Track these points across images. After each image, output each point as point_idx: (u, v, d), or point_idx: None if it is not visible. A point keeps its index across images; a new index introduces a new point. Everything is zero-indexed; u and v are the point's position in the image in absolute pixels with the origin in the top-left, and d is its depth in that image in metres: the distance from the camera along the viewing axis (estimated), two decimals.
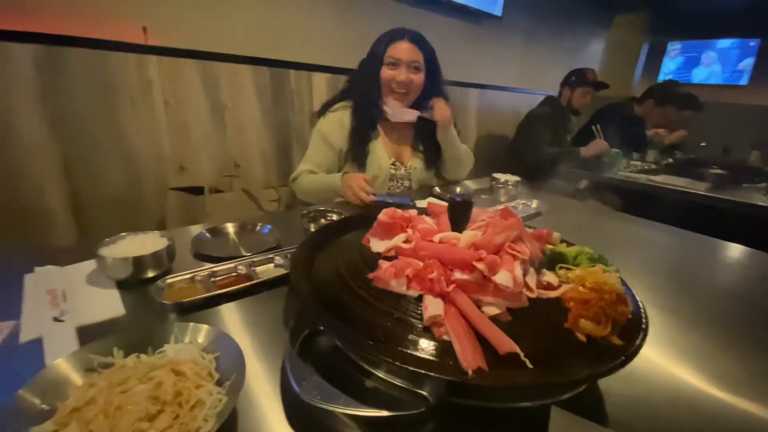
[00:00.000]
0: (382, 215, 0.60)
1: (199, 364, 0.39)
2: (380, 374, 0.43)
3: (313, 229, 0.79)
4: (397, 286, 0.48)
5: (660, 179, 1.87)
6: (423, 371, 0.37)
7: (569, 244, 0.66)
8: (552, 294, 0.48)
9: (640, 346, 0.42)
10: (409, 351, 0.41)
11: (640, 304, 0.50)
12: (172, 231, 0.82)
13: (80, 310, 0.54)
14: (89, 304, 0.55)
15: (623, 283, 0.54)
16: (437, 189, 1.27)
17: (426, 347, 0.41)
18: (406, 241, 0.56)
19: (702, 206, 1.64)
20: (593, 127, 2.11)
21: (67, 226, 1.24)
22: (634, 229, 1.12)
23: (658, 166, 2.20)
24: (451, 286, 0.46)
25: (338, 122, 1.25)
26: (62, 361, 0.37)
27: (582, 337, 0.44)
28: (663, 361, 0.54)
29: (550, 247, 0.62)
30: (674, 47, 3.67)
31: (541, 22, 2.70)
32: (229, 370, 0.39)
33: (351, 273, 0.53)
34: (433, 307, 0.44)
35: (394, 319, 0.45)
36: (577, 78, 2.19)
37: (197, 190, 1.48)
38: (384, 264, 0.52)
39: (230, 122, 1.52)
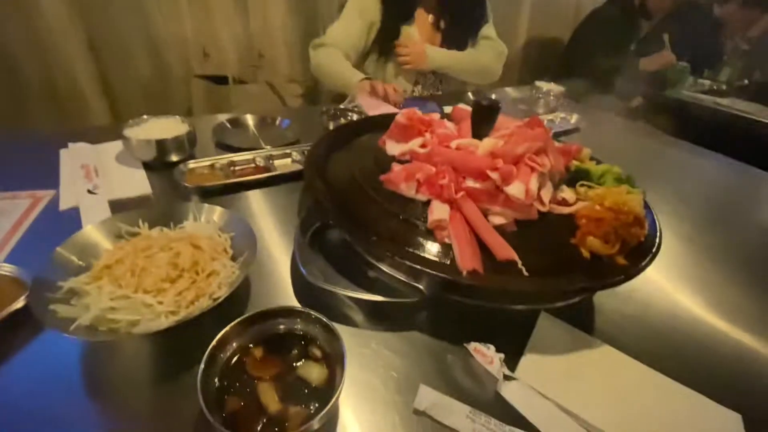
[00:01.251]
0: (401, 116, 0.57)
1: (215, 240, 0.43)
2: (382, 267, 0.46)
3: (332, 127, 0.77)
4: (407, 189, 0.47)
5: (727, 102, 1.64)
6: (419, 266, 0.39)
7: (599, 163, 0.62)
8: (565, 210, 0.47)
9: (642, 269, 0.41)
10: (409, 248, 0.42)
11: (658, 229, 0.48)
12: (195, 118, 0.82)
13: (111, 185, 0.58)
14: (119, 181, 0.59)
15: (646, 206, 0.52)
16: (470, 95, 1.18)
17: (426, 247, 0.42)
18: (422, 146, 0.54)
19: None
20: (663, 36, 1.80)
21: (97, 109, 1.26)
22: (679, 155, 1.03)
23: (730, 87, 1.91)
24: (460, 194, 0.45)
25: None
26: (94, 227, 0.42)
27: (586, 254, 0.43)
28: (668, 286, 0.54)
29: (576, 163, 0.59)
30: None
31: None
32: (243, 248, 0.43)
33: (364, 173, 0.53)
34: (438, 211, 0.44)
35: (400, 220, 0.45)
36: None
37: (222, 80, 1.44)
38: (397, 167, 0.51)
39: (253, 8, 1.39)
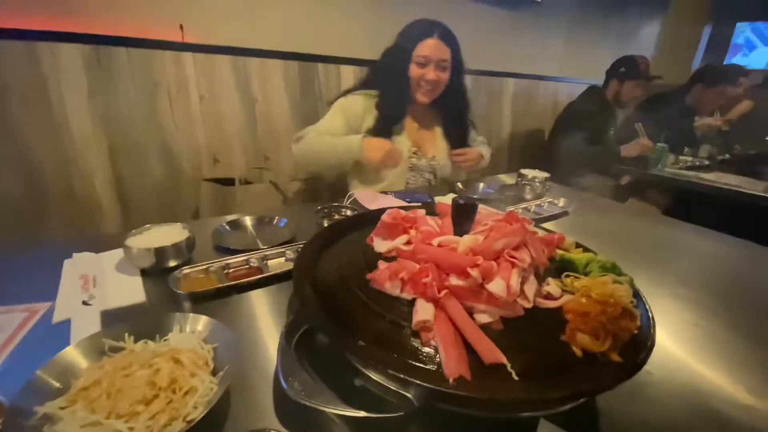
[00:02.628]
0: (386, 215, 0.60)
1: (197, 353, 0.42)
2: (369, 374, 0.44)
3: (326, 225, 0.80)
4: (392, 288, 0.48)
5: (712, 177, 1.71)
6: (403, 376, 0.37)
7: (586, 250, 0.63)
8: (551, 304, 0.47)
9: (639, 366, 0.40)
10: (395, 354, 0.41)
11: (651, 319, 0.47)
12: (198, 222, 0.87)
13: (106, 295, 0.59)
14: (115, 290, 0.60)
15: (637, 295, 0.51)
16: (460, 185, 1.25)
17: (413, 351, 0.41)
18: (407, 243, 0.56)
19: (759, 208, 1.49)
20: (636, 126, 1.96)
21: (112, 213, 1.35)
22: (675, 234, 1.04)
23: (712, 162, 2.01)
24: (444, 292, 0.45)
25: (360, 104, 1.25)
26: (76, 347, 0.42)
27: (578, 352, 0.42)
28: (677, 378, 0.51)
29: (560, 252, 0.60)
30: (743, 29, 3.30)
31: (586, 4, 2.53)
32: (225, 360, 0.42)
33: (352, 272, 0.54)
34: (423, 311, 0.44)
35: (386, 321, 0.45)
36: (627, 69, 1.99)
37: (229, 182, 1.56)
38: (382, 265, 0.52)
39: (260, 116, 1.57)
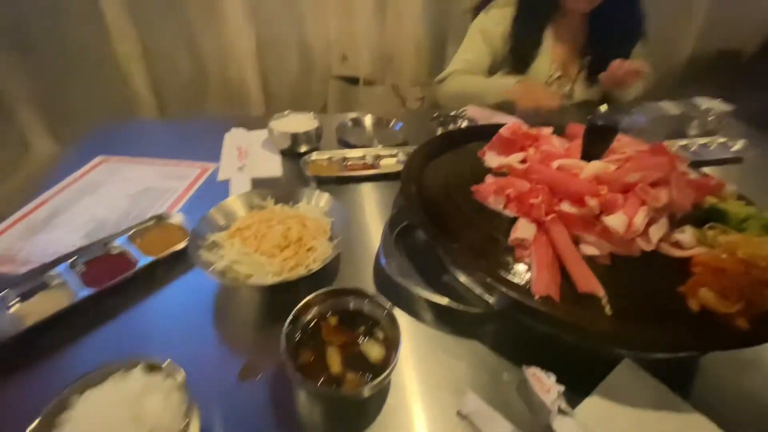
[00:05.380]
0: (505, 129, 0.57)
1: (319, 221, 0.51)
2: (457, 275, 0.48)
3: (439, 132, 0.80)
4: (495, 202, 0.48)
5: None
6: (489, 280, 0.39)
7: (750, 204, 0.51)
8: (677, 253, 0.42)
9: (765, 338, 0.34)
10: (485, 262, 0.43)
11: None
12: (326, 116, 0.94)
13: (255, 165, 0.72)
14: (261, 163, 0.74)
15: None
16: (604, 107, 1.06)
17: (504, 264, 0.42)
18: (522, 161, 0.53)
19: None
20: None
21: (257, 100, 1.54)
22: None
23: None
24: (551, 216, 0.43)
25: (502, 19, 1.06)
26: (236, 198, 0.54)
27: (695, 306, 0.38)
28: None
29: (713, 201, 0.50)
30: None
31: None
32: (340, 232, 0.50)
33: (458, 181, 0.55)
34: (523, 230, 0.43)
35: (482, 232, 0.46)
36: None
37: (354, 81, 1.60)
38: (489, 179, 0.52)
39: (390, 10, 1.50)
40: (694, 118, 1.00)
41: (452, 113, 0.86)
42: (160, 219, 0.56)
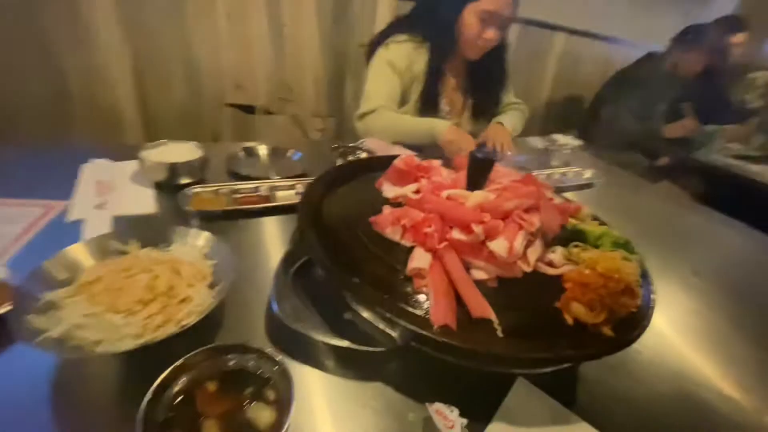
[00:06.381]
0: (400, 161, 0.58)
1: (196, 266, 0.44)
2: (359, 310, 0.45)
3: (339, 163, 0.79)
4: (392, 233, 0.48)
5: (757, 169, 1.59)
6: (390, 315, 0.38)
7: (602, 224, 0.60)
8: (551, 271, 0.46)
9: (628, 342, 0.39)
10: (386, 295, 0.41)
11: (652, 301, 0.46)
12: (216, 144, 0.87)
13: (120, 202, 0.61)
14: (128, 199, 0.62)
15: (645, 275, 0.50)
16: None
17: (404, 296, 0.41)
18: (416, 192, 0.55)
19: None
20: (684, 105, 1.78)
21: (134, 126, 1.36)
22: (702, 223, 0.98)
23: (764, 153, 1.85)
24: (443, 244, 0.44)
25: (405, 55, 1.11)
26: (84, 244, 0.44)
27: (570, 320, 0.41)
28: (666, 361, 0.51)
29: (574, 222, 0.58)
30: None
31: None
32: (223, 276, 0.43)
33: (357, 213, 0.53)
34: (419, 259, 0.43)
35: (382, 264, 0.45)
36: (693, 36, 1.77)
37: (250, 109, 1.53)
38: (386, 210, 0.52)
39: (288, 42, 1.49)
40: (555, 151, 1.18)
41: (351, 144, 0.87)
42: None
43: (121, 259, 0.42)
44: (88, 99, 1.27)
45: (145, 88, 1.34)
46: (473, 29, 1.04)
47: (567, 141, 1.18)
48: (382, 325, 0.42)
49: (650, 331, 0.42)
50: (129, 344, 0.34)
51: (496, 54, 1.15)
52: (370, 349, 0.40)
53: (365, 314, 0.43)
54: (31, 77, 1.18)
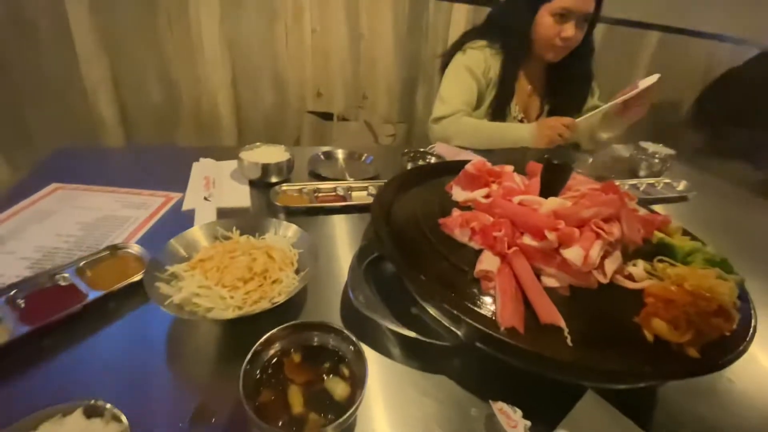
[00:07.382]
0: (471, 165, 0.59)
1: (286, 253, 0.50)
2: (426, 307, 0.47)
3: (409, 168, 0.82)
4: (461, 235, 0.49)
5: None
6: (456, 312, 0.40)
7: (694, 239, 0.55)
8: (630, 285, 0.44)
9: (717, 367, 0.36)
10: (454, 294, 0.43)
11: (753, 326, 0.41)
12: (298, 148, 0.95)
13: (222, 195, 0.71)
14: (228, 193, 0.72)
15: (745, 298, 0.45)
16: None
17: (471, 296, 0.43)
18: (486, 196, 0.56)
19: None
20: None
21: (229, 131, 1.54)
22: None
23: None
24: (513, 249, 0.45)
25: (483, 60, 1.11)
26: (199, 228, 0.52)
27: (650, 336, 0.39)
28: (766, 396, 0.45)
29: (660, 235, 0.54)
30: None
31: None
32: (306, 263, 0.49)
33: (426, 214, 0.56)
34: (487, 261, 0.44)
35: (449, 264, 0.47)
36: None
37: (328, 116, 1.64)
38: (456, 212, 0.53)
39: (365, 52, 1.58)
40: (642, 160, 1.09)
41: (421, 150, 0.89)
42: (115, 249, 0.53)
43: (226, 243, 0.50)
44: (194, 106, 1.47)
45: (239, 96, 1.51)
46: (551, 29, 1.02)
47: (658, 149, 1.08)
48: (447, 323, 0.44)
49: (747, 359, 0.38)
50: (232, 314, 0.41)
51: (579, 55, 1.10)
52: (436, 342, 0.42)
53: (431, 310, 0.45)
54: (150, 89, 1.41)
